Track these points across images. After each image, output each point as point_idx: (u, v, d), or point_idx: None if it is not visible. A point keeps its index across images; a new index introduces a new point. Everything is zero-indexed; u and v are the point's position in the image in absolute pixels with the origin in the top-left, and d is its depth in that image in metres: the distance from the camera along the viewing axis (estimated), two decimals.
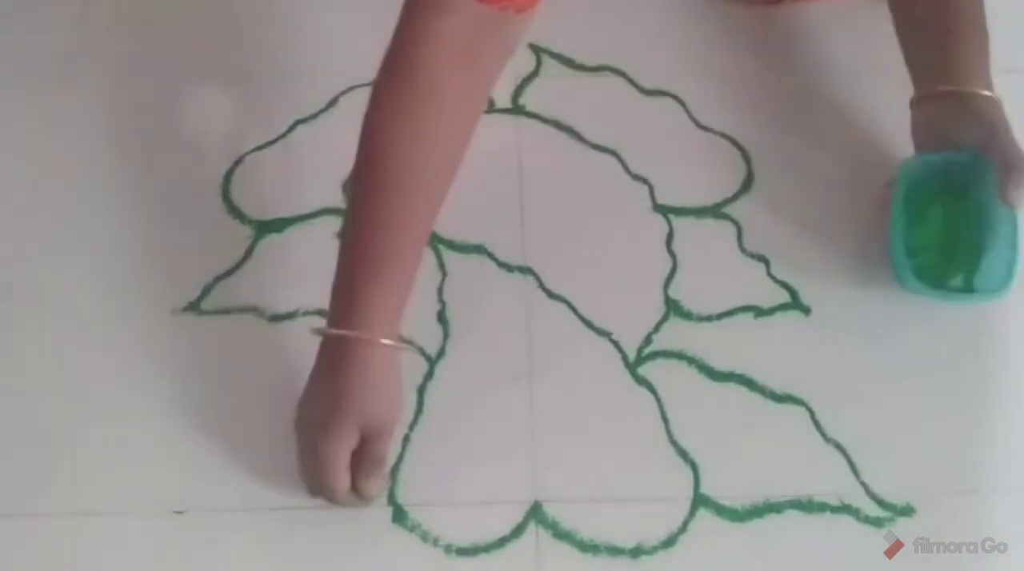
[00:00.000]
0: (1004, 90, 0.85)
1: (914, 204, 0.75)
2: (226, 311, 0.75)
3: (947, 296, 0.74)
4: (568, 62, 0.88)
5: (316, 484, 0.65)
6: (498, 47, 0.68)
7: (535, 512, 0.67)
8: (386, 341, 0.65)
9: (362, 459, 0.64)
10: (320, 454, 0.64)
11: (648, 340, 0.74)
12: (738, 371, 0.73)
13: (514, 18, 0.66)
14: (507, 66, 0.86)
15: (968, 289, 0.73)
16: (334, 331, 0.65)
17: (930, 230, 0.76)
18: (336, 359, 0.65)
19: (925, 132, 0.77)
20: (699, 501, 0.68)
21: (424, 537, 0.66)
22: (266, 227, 0.79)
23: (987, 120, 0.73)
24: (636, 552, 0.66)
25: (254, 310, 0.75)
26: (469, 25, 0.64)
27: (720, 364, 0.73)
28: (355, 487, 0.65)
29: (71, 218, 0.79)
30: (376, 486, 0.65)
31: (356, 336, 0.64)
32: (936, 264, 0.74)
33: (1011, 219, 0.72)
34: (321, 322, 0.67)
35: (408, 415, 0.70)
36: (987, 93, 0.74)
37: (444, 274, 0.77)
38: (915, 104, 0.77)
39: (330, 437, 0.64)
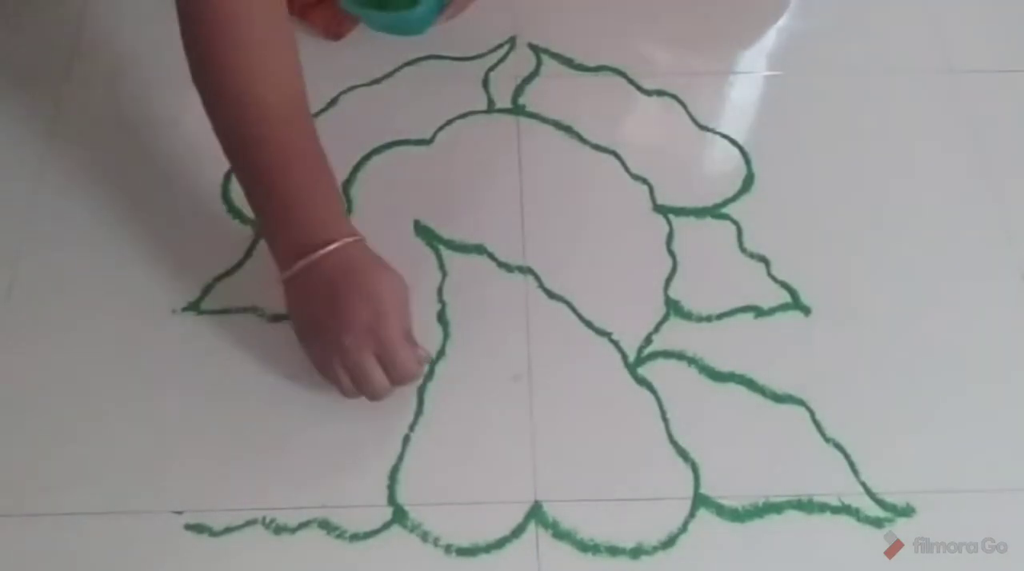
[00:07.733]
0: (1004, 90, 0.85)
1: None
2: (226, 311, 0.75)
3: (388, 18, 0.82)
4: (568, 62, 0.88)
5: (355, 391, 0.67)
6: None
7: (535, 512, 0.67)
8: (350, 239, 0.66)
9: (384, 355, 0.65)
10: (354, 374, 0.65)
11: (648, 340, 0.74)
12: (738, 371, 0.73)
13: None
14: (507, 66, 0.87)
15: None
16: (302, 263, 0.65)
17: None
18: (313, 284, 0.66)
19: None
20: (699, 501, 0.68)
21: (424, 537, 0.66)
22: None
23: None
24: (636, 552, 0.66)
25: (254, 310, 0.75)
26: None
27: (720, 364, 0.73)
28: (392, 380, 0.66)
29: (71, 218, 0.79)
30: (414, 367, 0.67)
31: (322, 254, 0.65)
32: None
33: None
34: None
35: (408, 415, 0.70)
36: None
37: (444, 274, 0.77)
38: None
39: (353, 354, 0.64)
